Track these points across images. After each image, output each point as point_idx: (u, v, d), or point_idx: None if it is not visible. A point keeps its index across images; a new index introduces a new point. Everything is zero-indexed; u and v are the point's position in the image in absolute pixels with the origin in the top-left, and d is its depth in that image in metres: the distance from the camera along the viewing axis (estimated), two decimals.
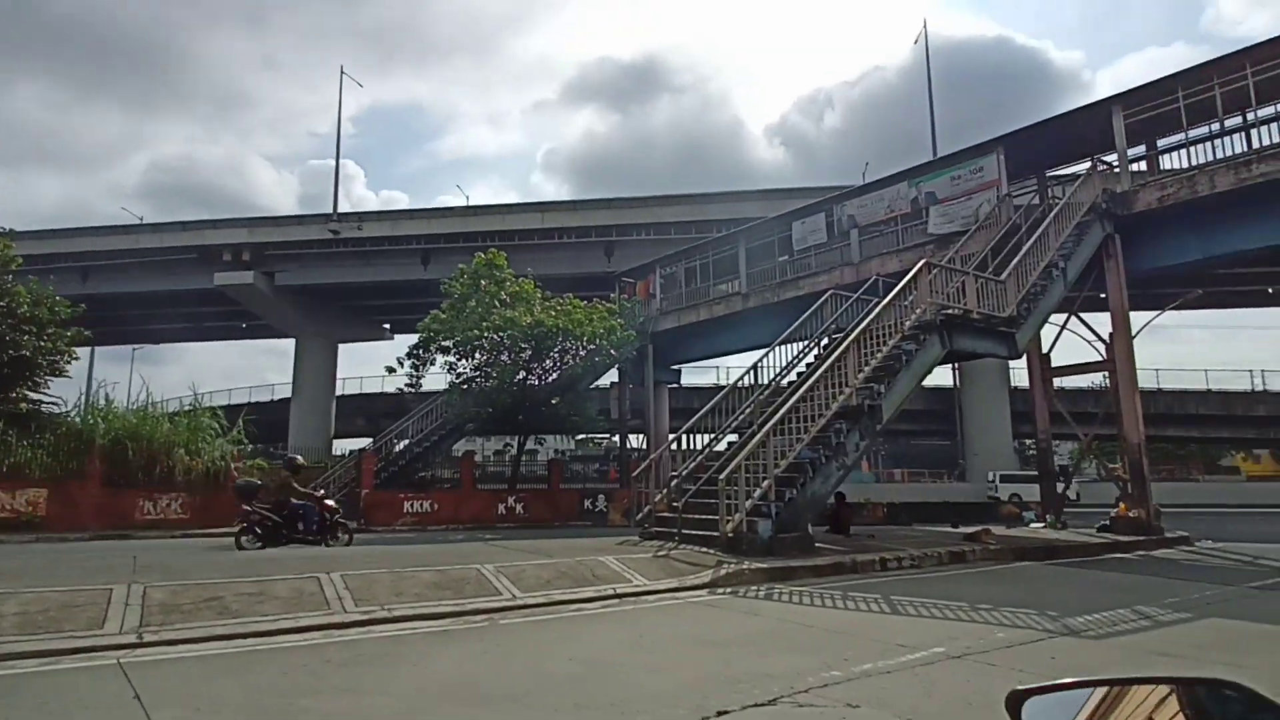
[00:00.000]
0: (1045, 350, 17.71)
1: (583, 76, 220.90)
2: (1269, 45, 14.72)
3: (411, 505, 21.55)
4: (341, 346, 49.22)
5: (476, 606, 6.89)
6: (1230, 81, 14.94)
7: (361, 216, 42.25)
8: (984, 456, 39.06)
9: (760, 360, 13.49)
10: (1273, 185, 14.20)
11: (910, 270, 12.19)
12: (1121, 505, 15.29)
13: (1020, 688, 0.96)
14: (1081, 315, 17.37)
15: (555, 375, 23.26)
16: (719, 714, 4.03)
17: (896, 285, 12.10)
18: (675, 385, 30.51)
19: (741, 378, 13.40)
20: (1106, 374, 16.58)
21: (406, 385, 23.19)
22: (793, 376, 13.17)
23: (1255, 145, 15.13)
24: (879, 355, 11.05)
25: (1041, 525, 16.71)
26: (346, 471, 23.67)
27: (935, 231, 19.00)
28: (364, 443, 32.78)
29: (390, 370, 23.76)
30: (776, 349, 13.59)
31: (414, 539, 16.03)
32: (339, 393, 48.26)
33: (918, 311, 11.68)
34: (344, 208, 53.46)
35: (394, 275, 40.65)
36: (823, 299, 14.32)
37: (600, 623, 6.69)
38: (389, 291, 43.15)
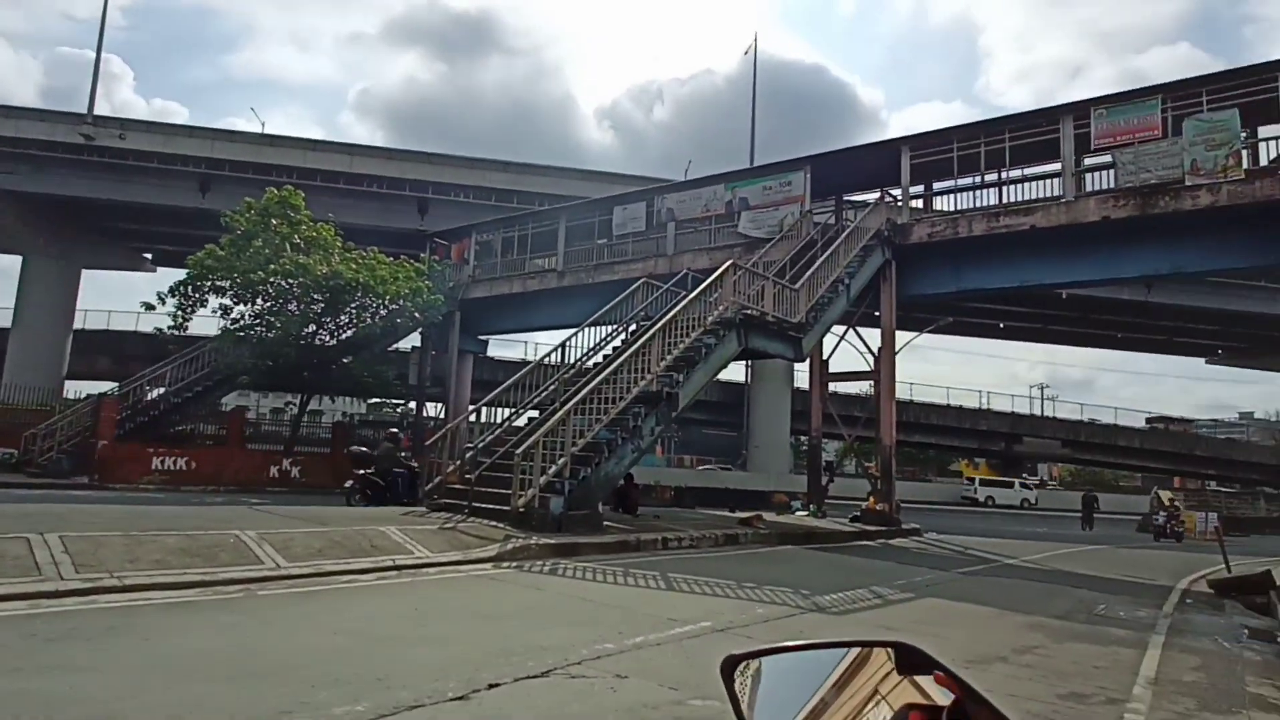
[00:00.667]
0: (825, 357, 19.54)
1: (410, 16, 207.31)
2: (1021, 117, 17.31)
3: (163, 461, 19.01)
4: (86, 273, 42.12)
5: (232, 576, 6.23)
6: (993, 142, 17.37)
7: (125, 124, 36.17)
8: (765, 449, 42.52)
9: (568, 340, 13.55)
10: (1013, 236, 16.75)
11: (718, 268, 12.85)
12: (871, 499, 17.34)
13: (734, 653, 1.01)
14: (858, 330, 19.41)
15: (350, 333, 21.72)
16: (490, 686, 3.97)
17: (705, 280, 12.68)
18: (481, 356, 29.80)
19: (548, 355, 13.38)
20: (872, 383, 18.64)
21: (170, 326, 20.41)
22: (599, 359, 13.36)
23: (1004, 200, 17.77)
24: (681, 346, 11.54)
25: (805, 514, 18.50)
26: (80, 418, 20.32)
27: (745, 234, 20.20)
28: (108, 386, 28.38)
29: (149, 307, 20.74)
30: (585, 330, 13.72)
31: (164, 499, 14.20)
32: (78, 326, 41.33)
33: (720, 309, 12.34)
34: (103, 111, 45.69)
35: (162, 199, 35.28)
36: (635, 286, 14.67)
37: (374, 595, 6.34)
38: (153, 216, 37.43)
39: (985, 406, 49.51)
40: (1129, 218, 15.49)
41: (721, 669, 0.98)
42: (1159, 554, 18.21)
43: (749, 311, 12.89)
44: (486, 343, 28.97)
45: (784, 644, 1.04)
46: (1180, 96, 15.55)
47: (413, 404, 28.13)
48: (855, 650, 1.01)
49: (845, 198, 21.92)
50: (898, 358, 18.23)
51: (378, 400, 26.44)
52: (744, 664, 0.99)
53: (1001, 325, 47.85)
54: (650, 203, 22.42)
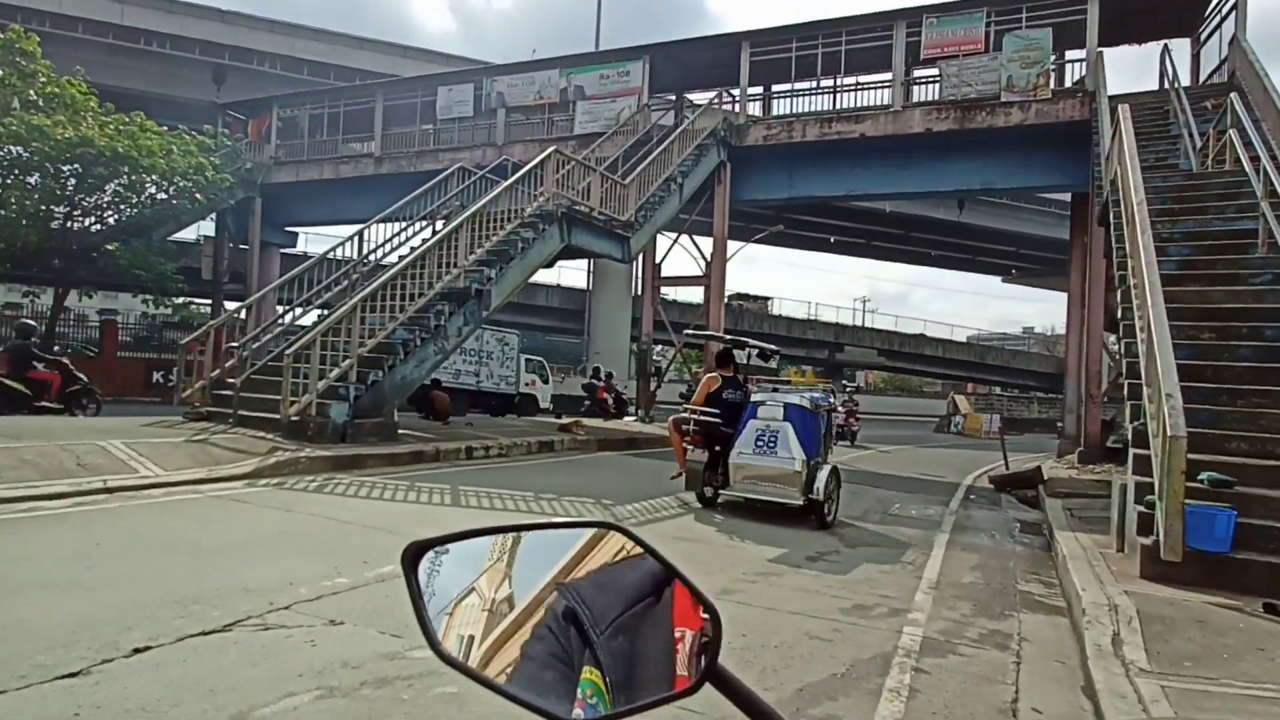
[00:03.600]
0: (658, 261, 19.04)
1: None
2: (858, 19, 17.04)
3: None
4: None
5: None
6: (830, 43, 17.01)
7: None
8: (605, 356, 42.39)
9: (364, 230, 11.88)
10: (845, 144, 16.74)
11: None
12: None
13: (417, 540, 0.87)
14: (692, 236, 18.99)
15: (114, 216, 18.31)
16: (135, 651, 2.96)
17: (524, 168, 11.43)
18: (289, 250, 26.67)
19: (336, 247, 11.69)
20: (704, 288, 18.41)
21: None
22: (405, 252, 11.86)
23: (837, 106, 17.65)
24: (495, 239, 10.34)
25: (633, 419, 18.32)
26: None
27: (580, 130, 18.85)
28: None
29: None
30: (387, 223, 12.09)
31: None
32: None
33: (540, 199, 11.20)
34: None
35: None
36: (448, 172, 13.09)
37: (54, 526, 4.99)
38: None
39: (813, 317, 52.26)
40: (949, 131, 15.85)
41: (402, 559, 0.86)
42: (952, 452, 19.97)
43: (574, 205, 11.85)
44: (296, 235, 25.88)
45: (473, 528, 0.89)
46: (1003, 11, 15.82)
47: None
48: (559, 532, 0.91)
49: (686, 96, 21.00)
50: (733, 267, 18.06)
51: (185, 299, 22.84)
52: (434, 552, 0.88)
53: (832, 240, 50.08)
54: (479, 85, 20.31)
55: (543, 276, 47.67)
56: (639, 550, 0.84)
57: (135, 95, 25.87)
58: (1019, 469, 12.41)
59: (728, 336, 9.08)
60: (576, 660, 0.77)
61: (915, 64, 16.86)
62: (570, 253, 13.55)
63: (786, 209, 27.40)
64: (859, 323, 56.88)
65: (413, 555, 0.86)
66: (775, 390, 7.61)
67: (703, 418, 7.18)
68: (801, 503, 6.64)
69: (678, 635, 0.80)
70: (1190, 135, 10.78)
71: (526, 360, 21.93)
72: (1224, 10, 15.31)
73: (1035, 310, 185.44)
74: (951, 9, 16.22)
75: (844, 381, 58.21)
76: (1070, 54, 16.58)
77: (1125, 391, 6.76)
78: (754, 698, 0.78)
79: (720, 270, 17.81)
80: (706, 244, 18.46)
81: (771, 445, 6.85)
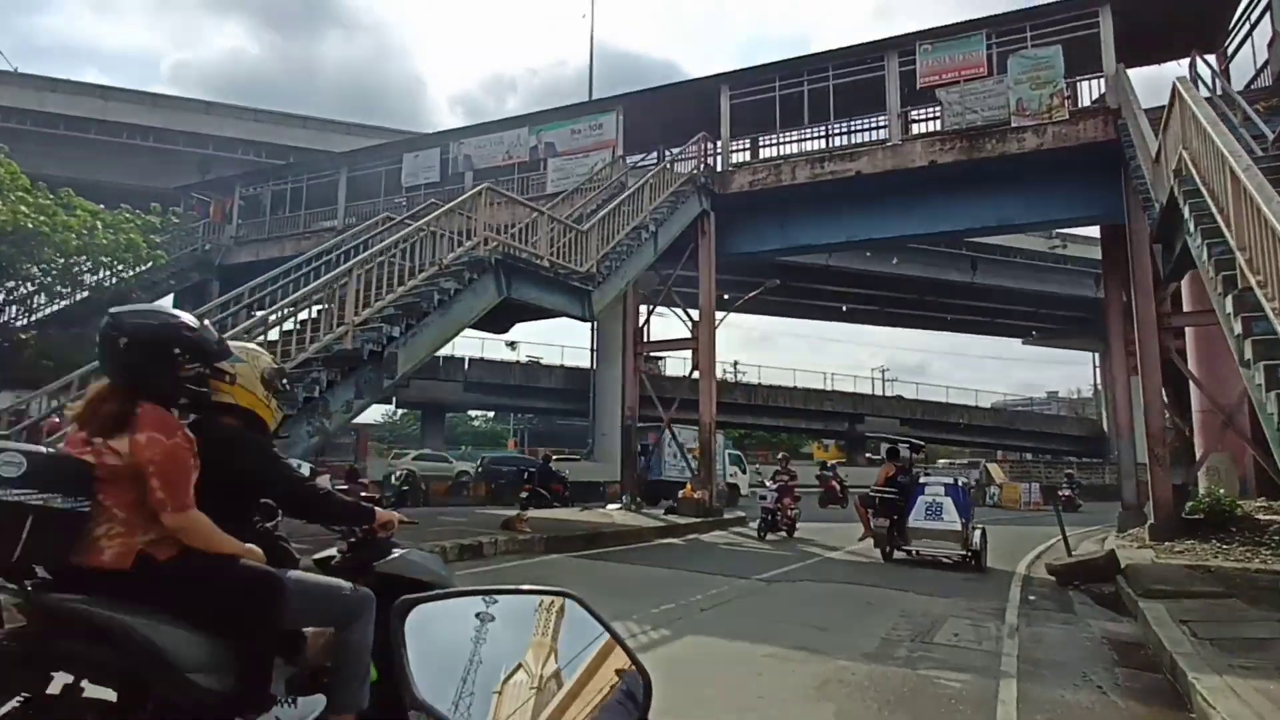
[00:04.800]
0: (640, 324, 17.08)
1: None
2: (846, 52, 15.52)
3: None
4: None
5: None
6: (816, 79, 15.46)
7: None
8: (611, 436, 40.02)
9: (249, 288, 9.99)
10: (840, 185, 14.91)
11: (520, 224, 9.81)
12: (688, 486, 15.00)
13: (408, 596, 1.05)
14: (685, 309, 17.06)
15: (47, 304, 16.77)
16: None
17: (458, 211, 9.60)
18: None
19: (206, 309, 9.78)
20: (692, 350, 16.30)
21: None
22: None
23: (829, 146, 15.98)
24: (400, 290, 8.37)
25: (618, 506, 15.91)
26: None
27: (553, 189, 17.28)
28: None
29: None
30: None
31: None
32: None
33: (469, 244, 9.30)
34: None
35: None
36: (371, 221, 11.31)
37: None
38: None
39: (830, 388, 49.78)
40: (956, 162, 14.02)
41: (394, 611, 1.00)
42: (992, 529, 17.19)
43: (514, 252, 9.93)
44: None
45: (460, 589, 1.13)
46: (1005, 31, 14.24)
47: None
48: (526, 597, 1.09)
49: (667, 151, 19.55)
50: (748, 344, 16.10)
51: None
52: (422, 608, 1.02)
53: (845, 308, 48.24)
54: (445, 149, 18.98)
55: (547, 357, 46.02)
56: (592, 620, 1.03)
57: (122, 189, 25.04)
58: (1082, 553, 9.84)
59: (900, 439, 11.97)
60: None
61: (913, 96, 15.20)
62: (514, 308, 11.58)
63: (783, 266, 25.63)
64: (878, 392, 54.19)
65: (403, 610, 1.02)
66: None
67: (884, 493, 10.00)
68: (964, 553, 9.29)
69: (616, 693, 0.98)
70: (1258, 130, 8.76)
71: (729, 455, 25.35)
72: (1253, 17, 13.63)
73: (1059, 374, 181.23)
74: (947, 34, 14.67)
75: (867, 454, 55.10)
76: (1087, 77, 14.90)
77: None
78: None
79: (709, 331, 15.74)
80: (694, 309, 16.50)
81: (937, 513, 9.46)
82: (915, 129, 15.84)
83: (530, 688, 0.94)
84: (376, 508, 2.24)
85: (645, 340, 17.36)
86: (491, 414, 54.29)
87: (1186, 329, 14.22)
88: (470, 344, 41.22)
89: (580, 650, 0.98)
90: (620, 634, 0.98)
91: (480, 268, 9.36)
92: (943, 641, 5.38)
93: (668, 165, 14.84)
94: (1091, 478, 42.12)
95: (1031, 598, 7.58)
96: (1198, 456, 14.19)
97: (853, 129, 16.86)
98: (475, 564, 8.13)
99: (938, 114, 15.10)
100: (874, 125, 16.42)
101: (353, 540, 2.21)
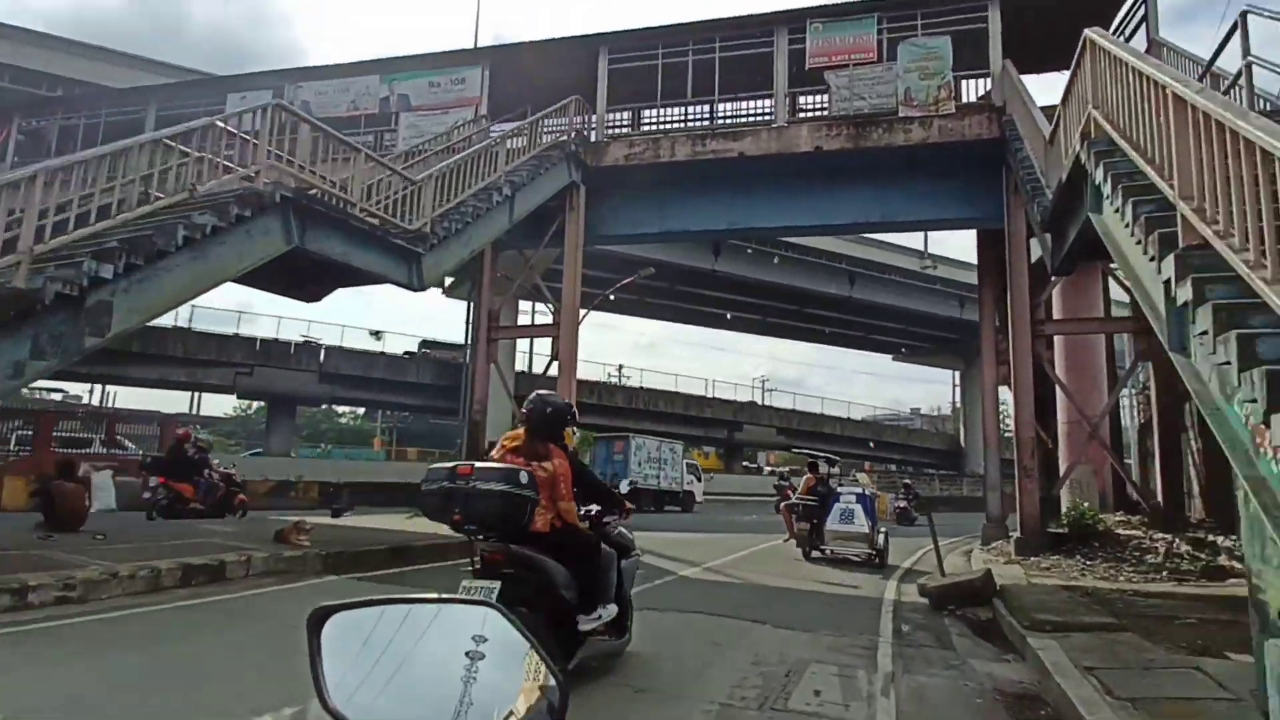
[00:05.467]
0: (495, 308, 15.22)
1: None
2: (733, 23, 14.40)
3: None
4: None
5: None
6: (702, 50, 14.25)
7: None
8: (491, 433, 37.51)
9: None
10: (722, 165, 13.72)
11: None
12: None
13: (325, 604, 0.99)
14: (544, 296, 15.35)
15: None
16: None
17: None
18: None
19: None
20: (551, 340, 14.63)
21: None
22: None
23: (714, 123, 14.79)
24: (123, 217, 6.18)
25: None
26: None
27: (406, 148, 15.12)
28: None
29: None
30: None
31: None
32: None
33: (241, 171, 7.19)
34: None
35: None
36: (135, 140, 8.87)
37: None
38: None
39: (711, 395, 49.37)
40: (842, 150, 13.12)
41: (308, 621, 0.97)
42: None
43: (308, 191, 7.88)
44: None
45: (374, 598, 1.02)
46: (897, 18, 13.51)
47: None
48: (445, 606, 1.06)
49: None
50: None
51: None
52: (337, 617, 1.00)
53: (729, 316, 48.08)
54: (279, 92, 16.32)
55: (412, 348, 42.54)
56: (513, 630, 1.00)
57: None
58: (955, 572, 8.93)
59: (818, 452, 13.21)
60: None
61: (801, 77, 14.23)
62: (338, 276, 9.48)
63: (670, 269, 24.49)
64: (758, 400, 54.45)
65: (318, 619, 0.98)
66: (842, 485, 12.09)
67: (807, 501, 11.51)
68: (871, 552, 10.61)
69: (534, 703, 0.95)
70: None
71: (686, 464, 27.87)
72: (1128, 30, 13.59)
73: (922, 392, 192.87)
74: (839, 13, 13.80)
75: (744, 461, 55.26)
76: (974, 74, 14.46)
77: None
78: None
79: (572, 322, 14.12)
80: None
81: (850, 518, 10.80)
82: (803, 116, 14.94)
83: (446, 699, 0.92)
84: None
85: (497, 324, 15.46)
86: (362, 410, 49.91)
87: (1055, 337, 14.06)
88: (329, 331, 37.57)
89: (498, 661, 0.97)
90: (537, 643, 0.97)
91: (258, 204, 7.25)
92: (801, 707, 3.95)
93: (535, 124, 13.08)
94: (951, 489, 43.83)
95: (905, 628, 6.40)
96: (1062, 469, 14.00)
97: (738, 112, 15.78)
98: (206, 594, 6.00)
99: (825, 104, 14.28)
100: (761, 110, 15.38)
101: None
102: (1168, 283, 4.00)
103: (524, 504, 3.39)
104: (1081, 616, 6.24)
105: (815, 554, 11.06)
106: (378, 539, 8.94)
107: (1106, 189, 5.27)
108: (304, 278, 8.88)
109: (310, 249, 7.87)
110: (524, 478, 3.41)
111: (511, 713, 0.91)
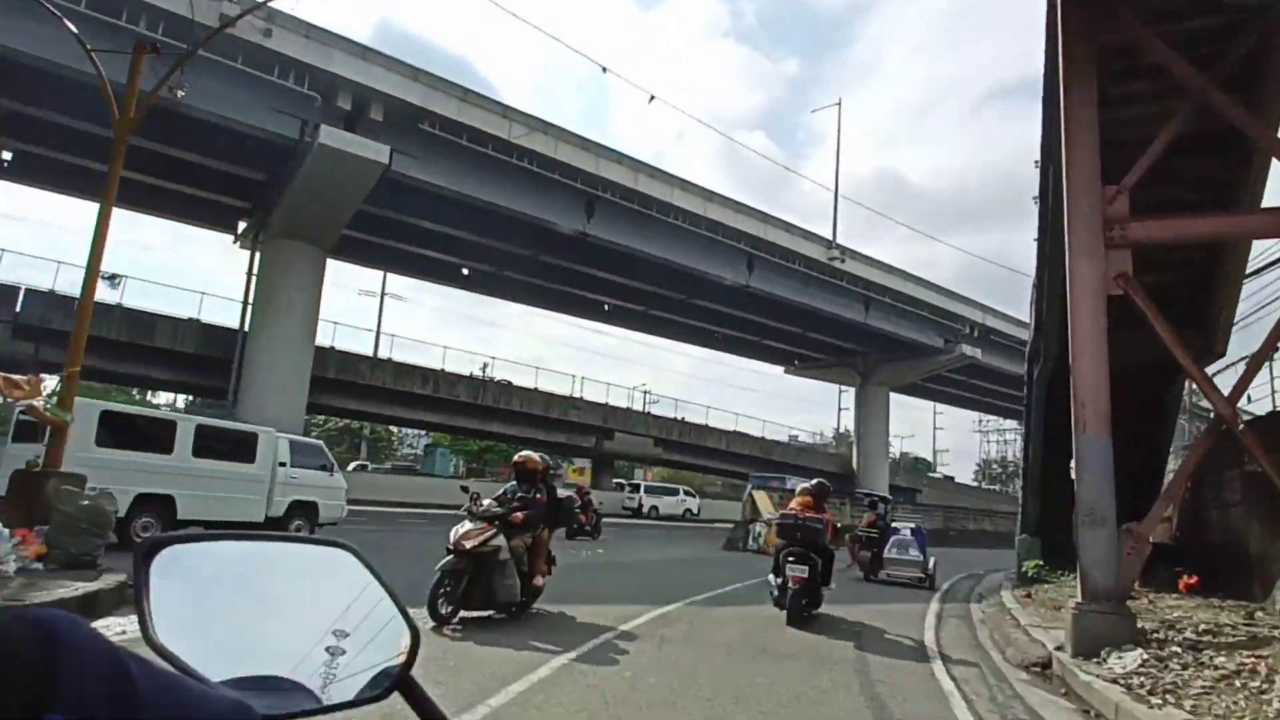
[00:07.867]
0: None
1: None
2: None
3: None
4: None
5: None
6: None
7: None
8: (272, 425, 27.56)
9: None
10: None
11: None
12: None
13: (156, 535, 0.93)
14: None
15: None
16: None
17: None
18: None
19: None
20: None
21: None
22: None
23: None
24: None
25: None
26: None
27: None
28: None
29: None
30: None
31: None
32: None
33: None
34: None
35: None
36: None
37: None
38: None
39: (578, 395, 41.35)
40: None
41: (135, 551, 0.87)
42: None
43: None
44: None
45: (214, 533, 0.96)
46: None
47: None
48: (293, 545, 1.04)
49: None
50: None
51: None
52: (170, 549, 0.90)
53: (607, 306, 40.68)
54: None
55: (175, 306, 31.40)
56: (366, 571, 0.95)
57: None
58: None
59: (877, 496, 17.66)
60: (287, 665, 0.84)
61: None
62: None
63: (532, 231, 16.42)
64: (636, 406, 47.01)
65: (147, 549, 0.89)
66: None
67: (869, 534, 14.96)
68: (922, 576, 13.65)
69: (384, 644, 0.92)
70: None
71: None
72: None
73: (801, 418, 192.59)
74: None
75: (617, 478, 47.69)
76: None
77: None
78: (434, 709, 0.88)
79: None
80: None
81: (905, 549, 13.96)
82: None
83: (290, 642, 0.88)
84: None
85: None
86: (112, 388, 38.04)
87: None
88: (38, 268, 26.69)
89: (349, 602, 0.93)
90: (394, 591, 0.93)
91: None
92: None
93: None
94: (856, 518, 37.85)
95: None
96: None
97: None
98: None
99: None
100: None
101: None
102: None
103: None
104: None
105: (874, 578, 14.13)
106: None
107: None
108: None
109: None
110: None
111: (360, 657, 0.88)
